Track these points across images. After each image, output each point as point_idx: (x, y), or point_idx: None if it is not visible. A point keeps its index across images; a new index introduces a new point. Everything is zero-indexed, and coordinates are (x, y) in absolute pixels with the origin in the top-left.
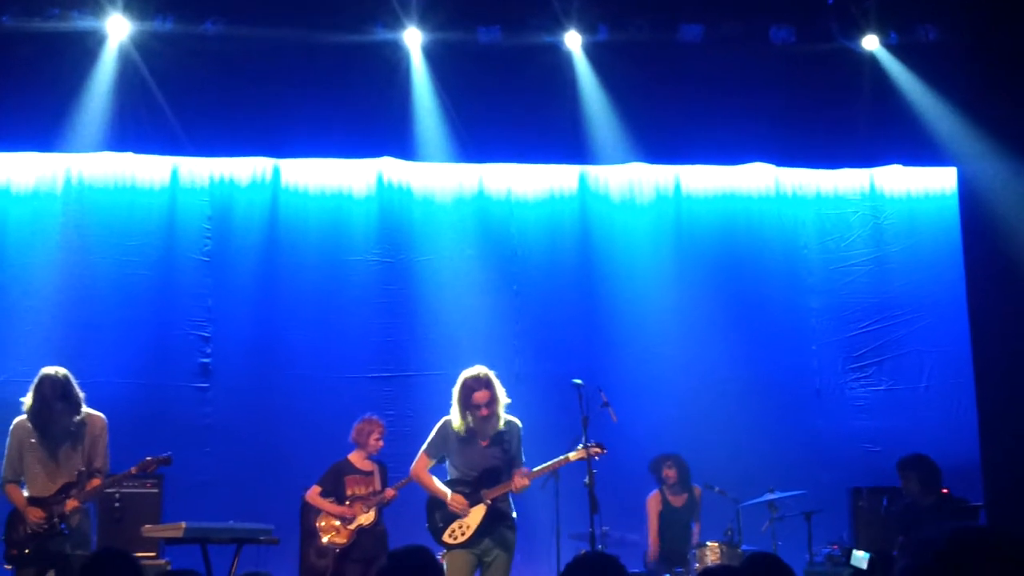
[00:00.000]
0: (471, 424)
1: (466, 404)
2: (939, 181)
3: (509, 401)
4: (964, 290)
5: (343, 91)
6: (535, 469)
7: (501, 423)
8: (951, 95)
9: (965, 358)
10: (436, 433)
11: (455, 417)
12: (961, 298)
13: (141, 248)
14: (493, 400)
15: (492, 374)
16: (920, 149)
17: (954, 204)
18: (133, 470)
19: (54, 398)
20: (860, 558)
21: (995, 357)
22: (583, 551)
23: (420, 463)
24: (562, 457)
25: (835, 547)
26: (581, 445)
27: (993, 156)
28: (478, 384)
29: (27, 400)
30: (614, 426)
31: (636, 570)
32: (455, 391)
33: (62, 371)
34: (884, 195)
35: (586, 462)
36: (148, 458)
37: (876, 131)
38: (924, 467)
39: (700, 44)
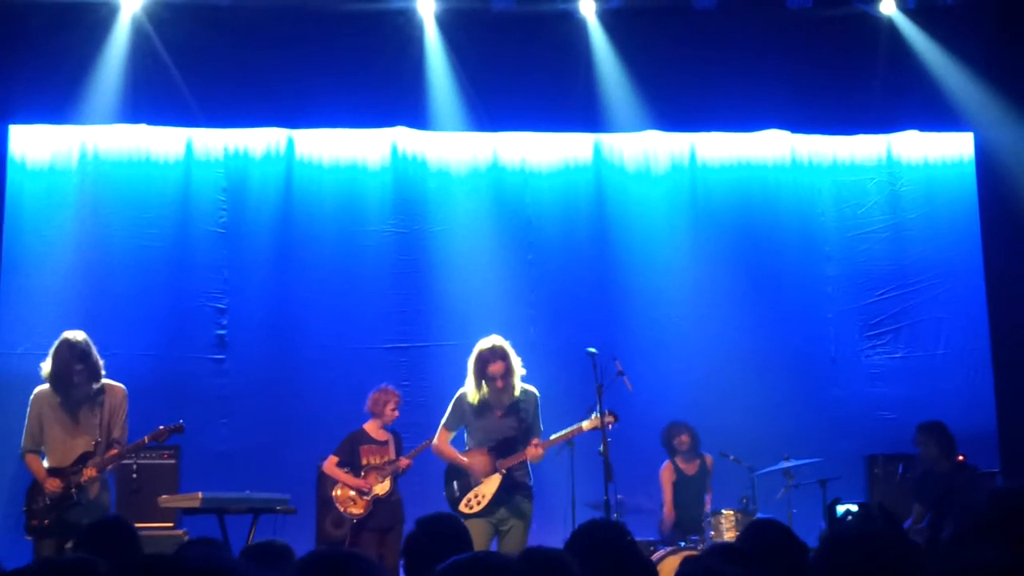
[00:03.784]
0: (486, 395)
1: (481, 375)
2: (956, 147)
3: (524, 372)
4: (981, 257)
5: (356, 61)
6: (550, 438)
7: (517, 392)
8: (969, 60)
9: (982, 325)
10: (452, 407)
11: (470, 388)
12: (978, 265)
13: (156, 220)
14: (508, 371)
15: (507, 345)
16: (937, 115)
17: (971, 170)
18: (146, 439)
19: (72, 360)
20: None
21: (1012, 324)
22: (592, 519)
23: (440, 437)
24: (575, 426)
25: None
26: (595, 414)
27: (1011, 122)
28: (493, 356)
29: (46, 365)
30: (629, 395)
31: (652, 538)
32: (470, 362)
33: (81, 335)
34: (901, 162)
35: (600, 431)
36: (160, 427)
37: (893, 97)
38: (942, 433)
39: (715, 10)
